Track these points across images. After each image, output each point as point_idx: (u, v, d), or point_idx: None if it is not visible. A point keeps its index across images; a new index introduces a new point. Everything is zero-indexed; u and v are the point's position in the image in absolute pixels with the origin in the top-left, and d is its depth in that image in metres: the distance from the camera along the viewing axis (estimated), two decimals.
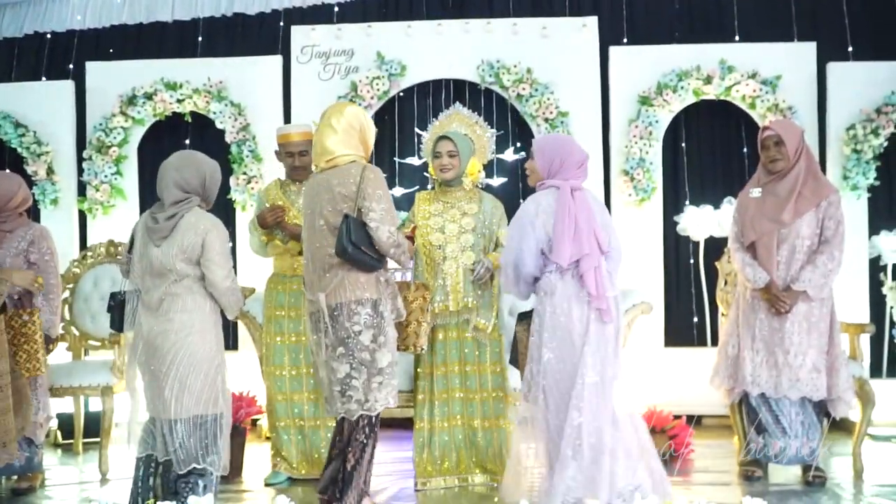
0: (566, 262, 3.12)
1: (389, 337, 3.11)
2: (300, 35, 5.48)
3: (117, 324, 3.09)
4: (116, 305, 3.08)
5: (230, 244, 3.09)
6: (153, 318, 2.97)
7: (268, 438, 4.08)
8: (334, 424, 3.78)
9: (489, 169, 5.25)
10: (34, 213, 5.43)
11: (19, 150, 5.43)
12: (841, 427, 4.30)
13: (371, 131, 3.19)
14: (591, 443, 3.02)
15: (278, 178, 4.11)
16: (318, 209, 3.08)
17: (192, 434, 2.93)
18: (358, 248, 2.97)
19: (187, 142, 5.52)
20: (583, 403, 3.04)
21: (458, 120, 4.03)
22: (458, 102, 4.45)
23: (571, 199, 3.16)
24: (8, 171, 3.80)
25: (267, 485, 3.86)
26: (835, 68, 5.21)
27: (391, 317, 3.15)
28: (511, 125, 5.46)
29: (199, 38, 5.73)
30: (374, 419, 3.13)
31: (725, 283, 4.29)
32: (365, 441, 3.11)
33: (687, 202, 5.31)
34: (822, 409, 3.70)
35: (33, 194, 5.46)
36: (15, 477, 3.80)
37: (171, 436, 2.93)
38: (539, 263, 3.18)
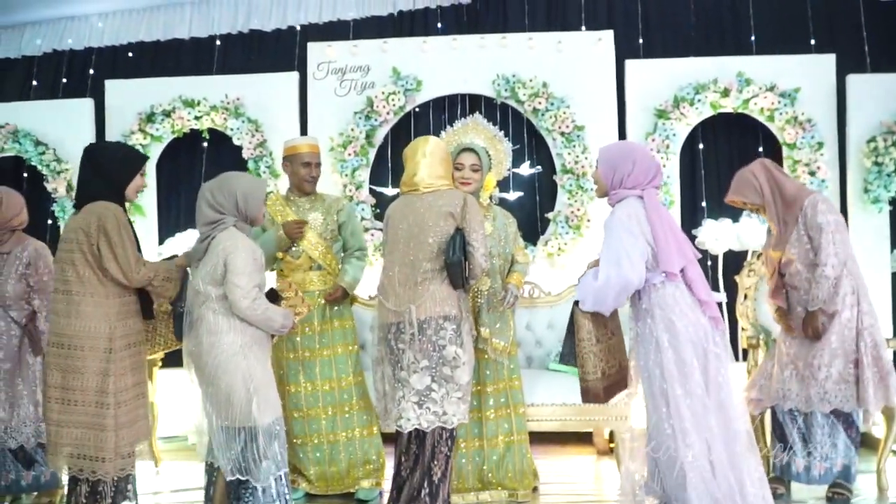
0: (678, 269, 3.03)
1: (470, 355, 3.27)
2: (316, 51, 5.51)
3: (177, 334, 3.21)
4: (178, 317, 3.19)
5: (257, 261, 3.01)
6: (191, 336, 3.03)
7: None
8: (351, 439, 3.83)
9: (505, 183, 5.25)
10: (55, 231, 5.49)
11: (39, 167, 5.50)
12: (865, 443, 4.22)
13: (450, 156, 3.50)
14: (721, 462, 2.95)
15: (277, 191, 4.10)
16: (417, 226, 3.26)
17: (232, 447, 2.93)
18: (462, 261, 3.18)
19: (204, 158, 5.58)
20: (714, 422, 2.96)
21: (475, 130, 3.91)
22: (476, 113, 4.41)
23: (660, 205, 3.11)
24: (3, 187, 3.76)
25: None
26: (854, 80, 5.17)
27: (470, 337, 3.31)
28: (527, 139, 5.45)
29: (216, 55, 5.78)
30: (454, 431, 3.27)
31: (745, 297, 4.25)
32: (448, 453, 3.25)
33: (705, 216, 5.28)
34: (849, 424, 3.63)
35: (52, 211, 5.54)
36: (35, 493, 3.81)
37: (220, 444, 2.95)
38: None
